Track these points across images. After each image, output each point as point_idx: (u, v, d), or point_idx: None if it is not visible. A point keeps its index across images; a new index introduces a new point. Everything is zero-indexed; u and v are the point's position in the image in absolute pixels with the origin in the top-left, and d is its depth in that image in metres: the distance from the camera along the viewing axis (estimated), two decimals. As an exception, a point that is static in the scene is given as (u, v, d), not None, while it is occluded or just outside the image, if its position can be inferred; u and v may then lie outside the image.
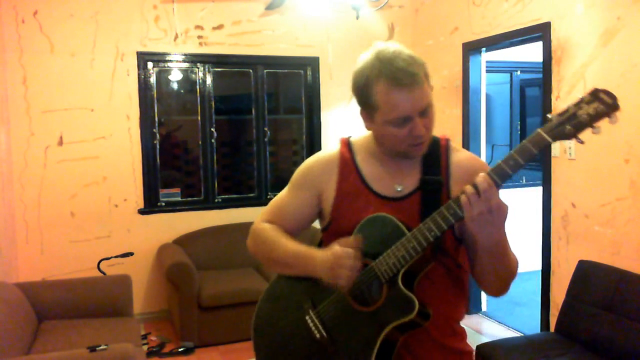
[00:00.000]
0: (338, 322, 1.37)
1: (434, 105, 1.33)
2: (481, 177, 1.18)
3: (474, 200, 1.18)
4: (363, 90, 1.32)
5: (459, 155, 1.42)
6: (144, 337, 4.07)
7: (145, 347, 3.83)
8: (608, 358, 2.81)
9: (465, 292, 1.44)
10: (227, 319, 4.10)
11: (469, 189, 1.18)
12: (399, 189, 1.39)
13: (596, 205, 3.31)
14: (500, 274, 1.33)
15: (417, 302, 1.26)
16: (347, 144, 1.49)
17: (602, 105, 1.13)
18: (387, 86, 1.27)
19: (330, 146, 1.52)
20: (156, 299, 4.66)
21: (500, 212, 1.19)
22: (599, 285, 3.02)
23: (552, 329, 3.53)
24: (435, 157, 1.40)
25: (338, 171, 1.45)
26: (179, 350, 3.95)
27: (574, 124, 1.13)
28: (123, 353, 2.53)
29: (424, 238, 1.25)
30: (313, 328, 1.40)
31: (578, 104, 1.14)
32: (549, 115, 1.17)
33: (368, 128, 1.40)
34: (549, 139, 1.15)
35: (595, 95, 1.13)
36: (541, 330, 3.81)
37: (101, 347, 2.53)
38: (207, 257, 4.57)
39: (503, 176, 1.18)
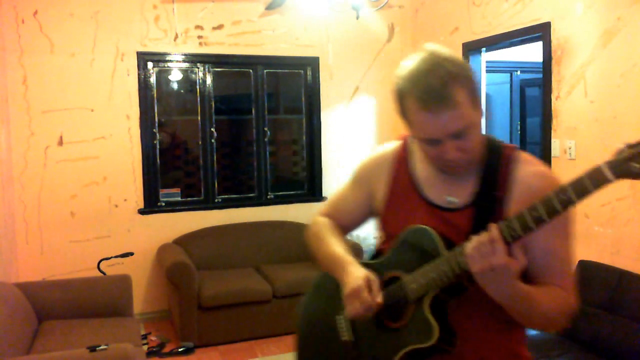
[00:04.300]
0: (365, 329, 1.35)
1: (478, 124, 1.20)
2: (492, 228, 1.08)
3: (475, 256, 1.09)
4: (399, 101, 1.23)
5: (525, 170, 1.24)
6: (144, 337, 4.07)
7: (145, 347, 3.83)
8: (608, 358, 2.81)
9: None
10: (227, 319, 4.10)
11: (473, 241, 1.10)
12: (450, 200, 1.28)
13: (596, 205, 3.31)
14: (527, 321, 1.22)
15: (437, 331, 1.17)
16: (405, 143, 1.41)
17: None
18: (415, 106, 1.17)
19: (390, 143, 1.46)
20: (156, 299, 4.66)
21: (505, 272, 1.07)
22: (599, 285, 3.02)
23: (552, 329, 3.53)
24: (496, 169, 1.25)
25: (391, 170, 1.39)
26: (179, 350, 3.95)
27: None
28: (123, 353, 2.53)
29: (457, 264, 1.15)
30: (341, 329, 1.40)
31: None
32: (620, 146, 0.99)
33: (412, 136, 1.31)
34: (611, 177, 0.98)
35: None
36: (541, 330, 3.81)
37: (101, 347, 2.53)
38: (207, 257, 4.56)
39: (518, 229, 1.07)
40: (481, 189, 1.25)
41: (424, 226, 1.25)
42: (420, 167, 1.35)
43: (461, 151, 1.19)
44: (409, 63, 1.20)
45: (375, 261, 1.38)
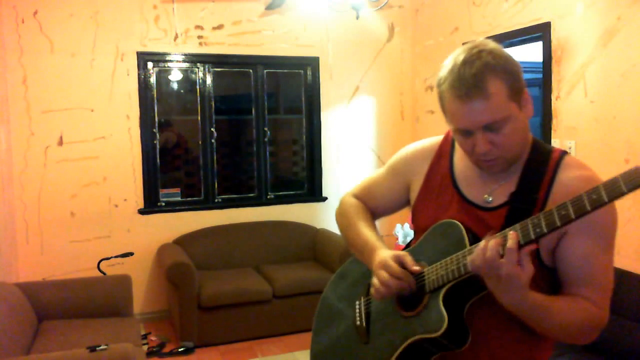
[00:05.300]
0: (378, 316, 1.36)
1: (516, 120, 1.17)
2: (510, 234, 1.05)
3: (479, 263, 1.06)
4: (438, 90, 1.22)
5: (568, 174, 1.19)
6: (144, 337, 4.07)
7: (145, 347, 3.83)
8: (608, 358, 2.81)
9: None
10: (227, 319, 4.10)
11: (481, 244, 1.07)
12: (488, 200, 1.26)
13: (596, 205, 3.31)
14: (542, 332, 1.18)
15: (446, 323, 1.15)
16: (449, 137, 1.39)
17: None
18: (449, 94, 1.17)
19: (434, 137, 1.45)
20: (156, 299, 4.66)
21: (511, 282, 1.04)
22: (599, 285, 3.01)
23: (552, 329, 3.53)
24: (539, 171, 1.21)
25: (431, 162, 1.39)
26: (179, 350, 3.95)
27: None
28: (123, 353, 2.53)
29: None
30: (357, 314, 1.42)
31: None
32: None
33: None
34: (624, 189, 0.92)
35: None
36: (541, 330, 3.80)
37: (101, 347, 2.53)
38: (207, 257, 4.56)
39: (531, 234, 1.03)
40: (518, 189, 1.21)
41: (454, 220, 1.24)
42: (462, 164, 1.33)
43: (493, 145, 1.17)
44: (453, 54, 1.21)
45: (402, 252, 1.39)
